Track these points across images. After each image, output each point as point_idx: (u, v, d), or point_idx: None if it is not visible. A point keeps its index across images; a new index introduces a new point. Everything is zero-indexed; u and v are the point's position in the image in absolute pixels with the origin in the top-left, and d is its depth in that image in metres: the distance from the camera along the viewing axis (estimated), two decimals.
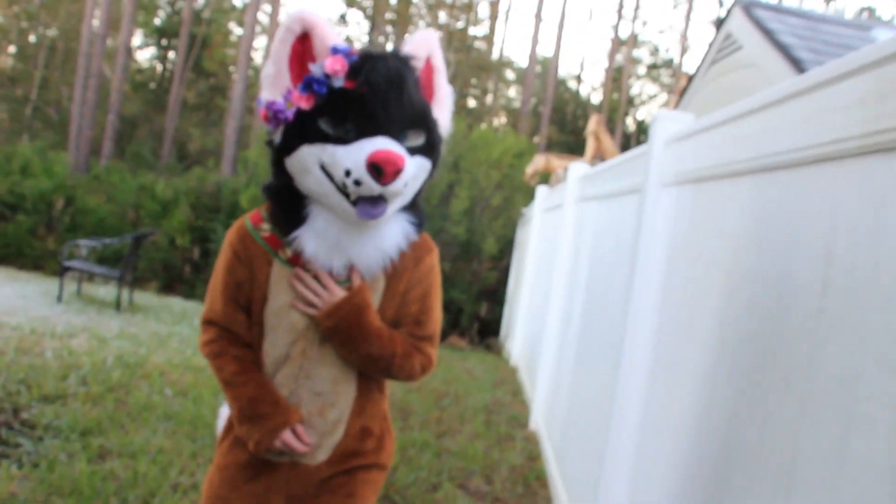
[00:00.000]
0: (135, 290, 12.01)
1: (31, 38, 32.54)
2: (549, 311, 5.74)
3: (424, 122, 1.74)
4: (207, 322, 1.92)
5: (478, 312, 12.27)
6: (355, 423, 1.92)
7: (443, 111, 1.85)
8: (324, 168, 1.66)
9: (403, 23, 31.91)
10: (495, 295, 12.41)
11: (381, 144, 1.60)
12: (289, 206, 1.77)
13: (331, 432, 1.89)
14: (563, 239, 5.71)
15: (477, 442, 5.22)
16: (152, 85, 37.15)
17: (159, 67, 38.68)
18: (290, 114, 1.68)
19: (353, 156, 1.60)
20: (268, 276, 1.82)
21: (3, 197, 14.35)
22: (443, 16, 34.18)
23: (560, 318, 5.55)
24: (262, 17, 26.71)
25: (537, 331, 6.62)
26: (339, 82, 1.65)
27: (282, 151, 1.72)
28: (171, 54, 36.51)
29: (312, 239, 1.74)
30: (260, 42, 33.06)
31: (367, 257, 1.77)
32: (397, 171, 1.58)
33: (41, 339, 6.18)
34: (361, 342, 1.80)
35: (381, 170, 1.57)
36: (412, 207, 1.84)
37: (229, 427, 1.98)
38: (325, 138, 1.65)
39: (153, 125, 32.42)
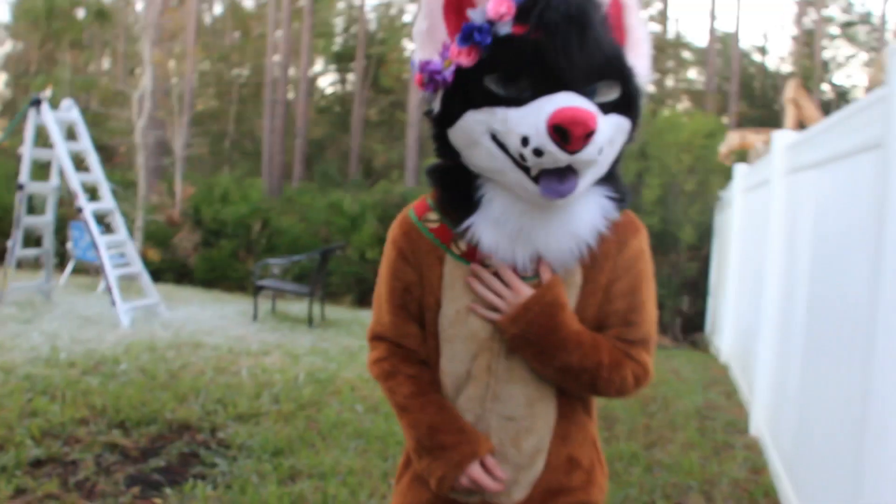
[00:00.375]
0: (329, 304, 12.28)
1: (225, 78, 34.77)
2: (764, 302, 5.09)
3: (618, 70, 1.35)
4: (375, 338, 1.63)
5: (680, 307, 11.54)
6: (558, 453, 1.53)
7: (639, 57, 1.42)
8: (495, 137, 1.32)
9: None
10: (697, 287, 11.62)
11: (566, 102, 1.24)
12: (458, 189, 1.44)
13: (528, 465, 1.52)
14: (773, 218, 5.05)
15: (691, 452, 4.67)
16: (336, 108, 38.62)
17: (340, 90, 40.19)
18: (448, 74, 1.36)
19: (531, 119, 1.25)
20: (440, 277, 1.50)
21: (208, 224, 15.22)
22: None
23: (778, 309, 4.89)
24: None
25: (750, 324, 5.95)
26: (506, 28, 1.31)
27: (443, 122, 1.40)
28: (351, 76, 37.80)
29: (489, 227, 1.40)
30: None
31: (557, 246, 1.41)
32: (588, 134, 1.22)
33: (237, 357, 6.26)
34: (557, 351, 1.43)
35: (567, 133, 1.21)
36: (610, 179, 1.45)
37: (407, 461, 1.65)
38: (493, 100, 1.31)
39: (339, 145, 33.65)
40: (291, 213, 16.40)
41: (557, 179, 1.28)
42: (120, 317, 7.32)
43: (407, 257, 1.53)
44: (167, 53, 16.92)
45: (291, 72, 29.50)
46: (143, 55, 13.45)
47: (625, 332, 1.50)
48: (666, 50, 33.69)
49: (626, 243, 1.50)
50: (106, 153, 20.73)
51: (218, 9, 36.86)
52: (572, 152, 1.22)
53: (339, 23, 37.35)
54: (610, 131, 1.32)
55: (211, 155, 28.94)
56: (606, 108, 1.31)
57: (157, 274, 14.35)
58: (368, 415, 4.99)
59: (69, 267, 10.40)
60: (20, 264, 8.64)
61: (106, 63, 33.67)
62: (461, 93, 1.34)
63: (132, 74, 25.89)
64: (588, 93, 1.29)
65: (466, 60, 1.32)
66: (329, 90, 40.67)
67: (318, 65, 38.17)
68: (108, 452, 4.18)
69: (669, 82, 38.70)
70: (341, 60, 36.69)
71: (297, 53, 27.18)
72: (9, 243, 8.00)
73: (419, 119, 20.00)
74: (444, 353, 1.52)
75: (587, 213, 1.41)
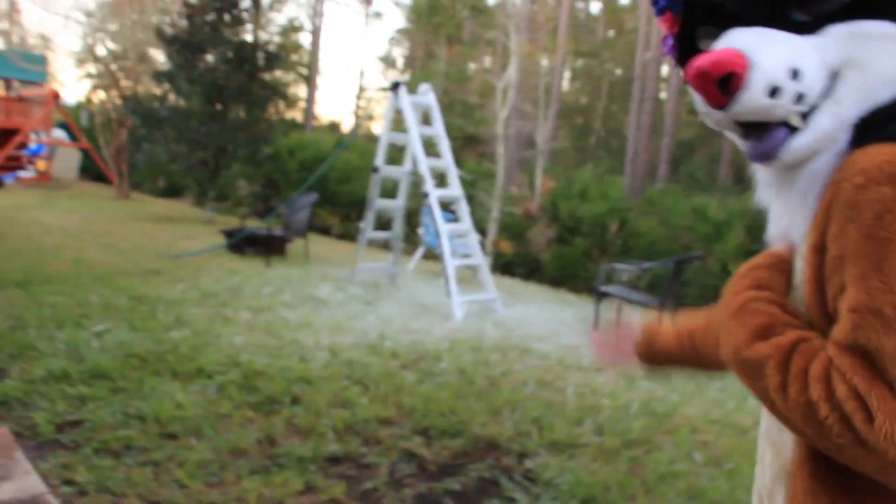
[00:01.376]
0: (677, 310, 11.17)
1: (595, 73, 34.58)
2: None
3: None
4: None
5: None
6: None
7: None
8: None
9: None
10: None
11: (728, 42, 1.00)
12: None
13: None
14: None
15: None
16: None
17: None
18: (668, 46, 1.18)
19: None
20: None
21: (564, 220, 14.83)
22: None
23: None
24: None
25: None
26: None
27: None
28: None
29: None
30: None
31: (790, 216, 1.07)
32: (728, 80, 0.97)
33: (566, 371, 5.54)
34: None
35: (707, 87, 0.98)
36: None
37: None
38: None
39: (709, 148, 31.76)
40: (651, 216, 15.42)
41: (756, 137, 1.05)
42: (453, 309, 7.00)
43: None
44: (536, 45, 16.82)
45: (664, 70, 28.35)
46: (510, 45, 13.33)
47: (834, 331, 0.91)
48: None
49: (839, 185, 0.94)
50: (473, 144, 21.43)
51: (595, 7, 36.74)
52: (720, 107, 1.01)
53: None
54: (804, 58, 0.97)
55: (575, 150, 28.86)
56: (807, 26, 0.99)
57: (508, 267, 14.30)
58: (708, 468, 3.98)
59: (418, 252, 10.50)
60: (371, 246, 8.79)
61: (488, 61, 35.20)
62: (684, 60, 1.14)
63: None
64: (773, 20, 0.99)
65: (668, 27, 1.16)
66: None
67: None
68: (404, 461, 3.72)
69: None
70: None
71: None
72: (361, 224, 8.12)
73: None
74: None
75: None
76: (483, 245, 13.91)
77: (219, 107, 13.27)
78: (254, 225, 10.22)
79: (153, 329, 5.45)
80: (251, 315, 6.27)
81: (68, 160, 24.30)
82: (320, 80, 53.97)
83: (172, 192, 22.74)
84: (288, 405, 4.24)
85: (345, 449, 3.73)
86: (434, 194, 7.32)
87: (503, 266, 14.18)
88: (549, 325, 7.28)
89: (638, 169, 21.04)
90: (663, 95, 27.88)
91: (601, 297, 7.18)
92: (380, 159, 7.92)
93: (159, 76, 13.51)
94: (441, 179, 7.86)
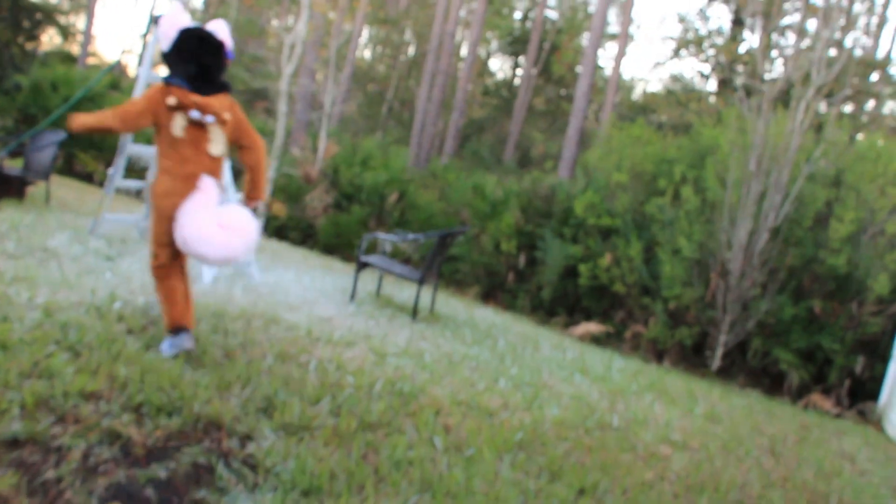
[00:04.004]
0: (453, 293, 11.13)
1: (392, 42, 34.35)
2: None
3: None
4: None
5: (851, 368, 9.68)
6: None
7: None
8: None
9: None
10: (877, 348, 9.71)
11: None
12: None
13: None
14: None
15: None
16: (503, 92, 37.57)
17: (510, 75, 39.06)
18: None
19: None
20: None
21: (343, 187, 14.46)
22: None
23: None
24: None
25: None
26: None
27: None
28: (522, 62, 36.62)
29: None
30: (609, 47, 31.77)
31: None
32: None
33: (313, 344, 5.20)
34: None
35: None
36: None
37: None
38: None
39: (498, 129, 32.62)
40: (432, 189, 15.42)
41: None
42: (202, 271, 6.45)
43: None
44: (335, 4, 16.24)
45: (464, 50, 28.65)
46: None
47: None
48: (874, 68, 30.15)
49: None
50: (260, 99, 20.53)
51: None
52: None
53: (519, 6, 36.15)
54: None
55: (366, 118, 28.51)
56: None
57: (281, 230, 13.76)
58: (448, 454, 3.80)
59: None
60: (124, 196, 7.95)
61: (292, 20, 33.91)
62: None
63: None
64: None
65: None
66: (499, 75, 39.63)
67: (492, 45, 37.19)
68: (105, 444, 3.22)
69: (871, 103, 34.98)
70: (515, 44, 35.54)
71: (468, 27, 26.23)
72: (109, 171, 7.30)
73: (584, 109, 18.49)
74: None
75: None
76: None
77: None
78: None
79: None
80: None
81: None
82: (105, 14, 49.85)
83: None
84: None
85: (30, 429, 3.17)
86: None
87: (276, 229, 13.63)
88: (306, 294, 6.91)
89: (424, 142, 21.06)
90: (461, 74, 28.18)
91: (361, 266, 6.90)
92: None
93: None
94: None
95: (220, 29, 4.41)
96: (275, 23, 30.58)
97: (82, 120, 4.24)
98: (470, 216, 13.70)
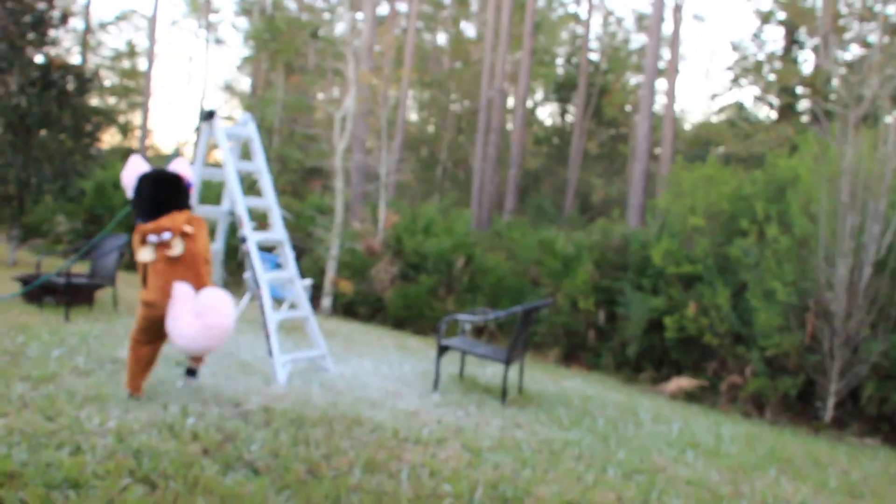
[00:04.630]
0: (531, 359, 10.62)
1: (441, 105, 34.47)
2: None
3: None
4: None
5: None
6: None
7: None
8: None
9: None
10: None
11: None
12: None
13: None
14: None
15: None
16: (555, 140, 37.28)
17: (559, 121, 38.82)
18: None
19: None
20: None
21: (409, 256, 14.16)
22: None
23: None
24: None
25: None
26: None
27: None
28: (571, 108, 36.34)
29: None
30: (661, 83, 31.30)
31: None
32: None
33: (402, 446, 4.78)
34: None
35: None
36: None
37: None
38: None
39: (555, 178, 32.20)
40: (499, 250, 15.03)
41: None
42: (276, 371, 6.12)
43: None
44: (380, 75, 16.18)
45: (510, 102, 28.50)
46: (348, 73, 12.62)
47: None
48: None
49: None
50: (315, 177, 20.54)
51: (441, 38, 36.71)
52: None
53: (561, 52, 36.01)
54: None
55: (421, 182, 28.42)
56: None
57: (349, 307, 13.47)
58: None
59: (244, 300, 9.50)
60: None
61: (337, 92, 34.32)
62: None
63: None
64: None
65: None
66: (548, 121, 39.42)
67: (538, 94, 37.03)
68: None
69: None
70: (562, 90, 35.33)
71: (515, 81, 26.10)
72: None
73: (647, 151, 17.96)
74: None
75: None
76: (321, 285, 13.04)
77: (16, 135, 11.76)
78: (62, 267, 8.88)
79: None
80: (28, 388, 5.12)
81: None
82: (161, 109, 51.46)
83: None
84: None
85: None
86: (252, 238, 6.43)
87: (344, 307, 13.35)
88: (386, 385, 6.51)
89: (485, 201, 20.79)
90: (510, 126, 27.99)
91: (442, 351, 6.49)
92: (193, 198, 6.95)
93: None
94: (262, 220, 6.97)
95: (179, 166, 5.38)
96: (320, 96, 30.95)
97: None
98: (541, 274, 13.25)
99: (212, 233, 7.69)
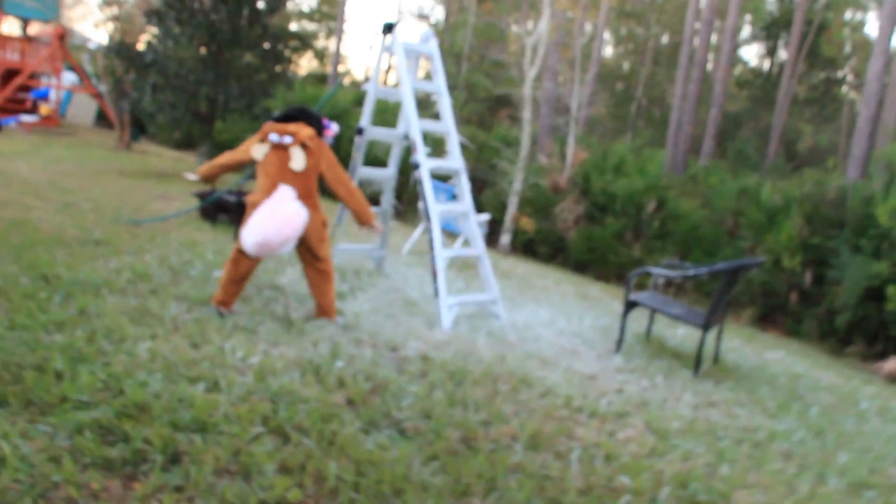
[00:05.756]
0: (724, 326, 9.60)
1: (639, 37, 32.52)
2: None
3: None
4: None
5: None
6: None
7: None
8: None
9: None
10: None
11: None
12: None
13: None
14: None
15: None
16: (759, 81, 34.39)
17: (766, 63, 35.73)
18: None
19: None
20: None
21: (595, 196, 13.27)
22: None
23: None
24: None
25: None
26: None
27: None
28: (781, 49, 33.26)
29: None
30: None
31: None
32: None
33: (575, 418, 4.07)
34: None
35: None
36: None
37: None
38: None
39: (758, 122, 29.74)
40: (694, 196, 13.77)
41: None
42: (441, 314, 5.56)
43: None
44: (575, 4, 15.09)
45: (714, 38, 26.32)
46: None
47: None
48: None
49: None
50: (502, 106, 19.81)
51: None
52: None
53: None
54: None
55: (613, 119, 27.00)
56: None
57: (529, 245, 12.81)
58: None
59: (416, 232, 9.00)
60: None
61: (532, 24, 33.18)
62: None
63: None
64: None
65: None
66: (753, 62, 36.44)
67: (745, 31, 34.15)
68: None
69: None
70: (772, 27, 32.34)
71: (722, 16, 23.95)
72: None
73: (877, 94, 15.74)
74: None
75: None
76: (501, 221, 12.42)
77: (207, 51, 11.78)
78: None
79: (35, 327, 4.06)
80: (181, 309, 4.85)
81: (85, 106, 23.12)
82: (352, 37, 52.16)
83: (189, 144, 21.43)
84: (158, 469, 2.85)
85: None
86: (426, 165, 5.83)
87: (524, 245, 12.70)
88: (561, 341, 5.79)
89: (681, 143, 19.27)
90: (709, 67, 25.91)
91: (630, 307, 5.67)
92: (366, 119, 6.44)
93: (149, 15, 12.04)
94: (439, 146, 6.36)
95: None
96: (514, 28, 29.97)
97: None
98: (739, 226, 11.97)
99: (383, 158, 7.20)
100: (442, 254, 5.70)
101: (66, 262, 5.51)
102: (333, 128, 5.67)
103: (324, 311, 5.14)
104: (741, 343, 7.60)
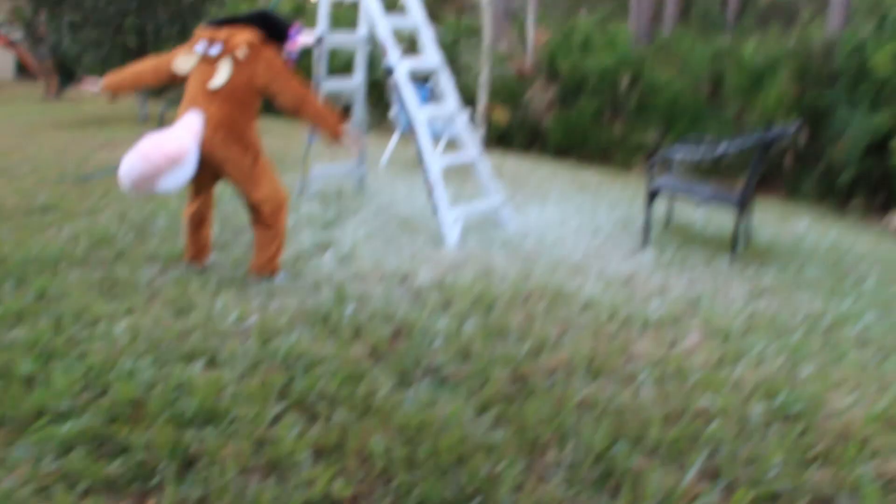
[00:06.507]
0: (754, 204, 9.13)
1: None
2: None
3: None
4: None
5: None
6: None
7: None
8: None
9: None
10: None
11: None
12: None
13: None
14: None
15: None
16: None
17: None
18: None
19: None
20: None
21: (565, 78, 12.58)
22: None
23: None
24: None
25: None
26: None
27: None
28: None
29: None
30: None
31: None
32: None
33: (627, 332, 3.57)
34: None
35: None
36: None
37: None
38: None
39: None
40: (668, 65, 13.08)
41: None
42: (443, 230, 4.99)
43: None
44: None
45: None
46: None
47: None
48: None
49: None
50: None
51: None
52: None
53: None
54: None
55: None
56: None
57: (504, 138, 12.18)
58: None
59: (392, 141, 8.32)
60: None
61: None
62: None
63: None
64: None
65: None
66: None
67: None
68: None
69: None
70: None
71: None
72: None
73: None
74: None
75: None
76: (473, 117, 11.73)
77: None
78: None
79: None
80: (155, 272, 4.21)
81: (2, 59, 21.68)
82: None
83: None
84: (171, 481, 2.30)
85: None
86: (401, 68, 5.14)
87: (498, 139, 12.04)
88: (581, 241, 5.24)
89: (643, 12, 18.39)
90: None
91: (653, 195, 5.13)
92: (322, 25, 5.69)
93: None
94: (411, 45, 5.64)
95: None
96: None
97: None
98: (722, 92, 11.39)
99: (348, 65, 6.49)
100: (435, 163, 5.08)
101: (10, 238, 4.77)
102: (304, 38, 4.43)
103: (254, 265, 4.11)
104: (766, 218, 7.10)
